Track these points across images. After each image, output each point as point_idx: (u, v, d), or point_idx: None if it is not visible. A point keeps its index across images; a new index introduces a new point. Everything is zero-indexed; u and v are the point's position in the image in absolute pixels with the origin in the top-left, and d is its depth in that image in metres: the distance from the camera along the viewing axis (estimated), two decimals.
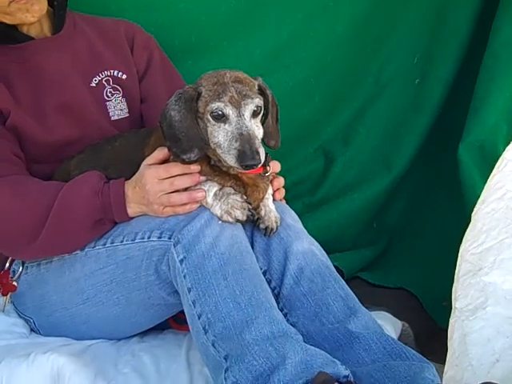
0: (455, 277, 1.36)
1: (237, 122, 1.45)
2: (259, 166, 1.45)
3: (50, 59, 1.81)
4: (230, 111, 1.45)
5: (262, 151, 1.44)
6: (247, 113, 1.46)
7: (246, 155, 1.41)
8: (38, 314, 1.79)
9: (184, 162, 1.50)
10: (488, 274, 1.33)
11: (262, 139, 1.54)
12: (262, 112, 1.52)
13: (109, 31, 1.96)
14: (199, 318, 1.42)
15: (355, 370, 1.40)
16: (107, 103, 1.89)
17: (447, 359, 1.32)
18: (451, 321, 1.34)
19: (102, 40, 1.93)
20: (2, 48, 1.77)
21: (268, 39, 2.29)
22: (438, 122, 2.37)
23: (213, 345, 1.39)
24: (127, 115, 1.92)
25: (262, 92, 1.53)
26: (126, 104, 1.92)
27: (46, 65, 1.80)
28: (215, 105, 1.45)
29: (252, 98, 1.47)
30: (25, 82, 1.77)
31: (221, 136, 1.46)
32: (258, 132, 1.50)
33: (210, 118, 1.47)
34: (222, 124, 1.46)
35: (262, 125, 1.54)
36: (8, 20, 1.71)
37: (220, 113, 1.46)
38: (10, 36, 1.76)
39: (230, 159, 1.44)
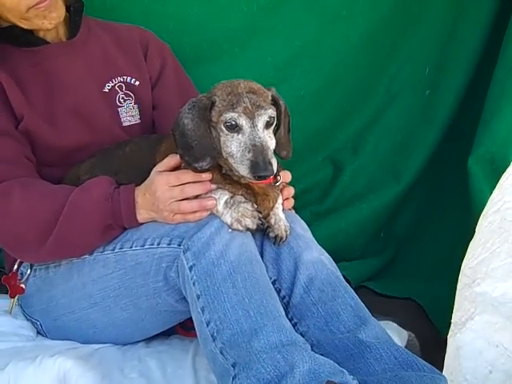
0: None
1: (250, 132, 1.45)
2: (271, 176, 1.45)
3: (63, 64, 1.82)
4: (243, 122, 1.45)
5: (274, 162, 1.45)
6: (260, 124, 1.47)
7: (258, 166, 1.41)
8: (45, 317, 1.79)
9: (196, 170, 1.51)
10: (480, 284, 1.34)
11: (274, 150, 1.54)
12: (275, 123, 1.53)
13: (123, 37, 1.97)
14: (208, 325, 1.42)
15: (366, 380, 1.40)
16: (119, 109, 1.89)
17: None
18: (448, 336, 1.35)
19: (116, 46, 1.94)
20: (17, 51, 1.78)
21: (280, 47, 2.29)
22: (447, 134, 2.37)
23: (221, 352, 1.39)
24: (139, 121, 1.93)
25: (275, 103, 1.53)
26: (137, 110, 1.93)
27: (60, 69, 1.81)
28: (229, 115, 1.46)
29: (265, 109, 1.47)
30: (38, 86, 1.78)
31: (234, 146, 1.46)
32: (271, 143, 1.50)
33: (224, 128, 1.47)
34: (236, 134, 1.47)
35: (275, 135, 1.54)
36: (25, 25, 1.72)
37: (234, 123, 1.46)
38: (26, 39, 1.77)
39: (243, 169, 1.44)
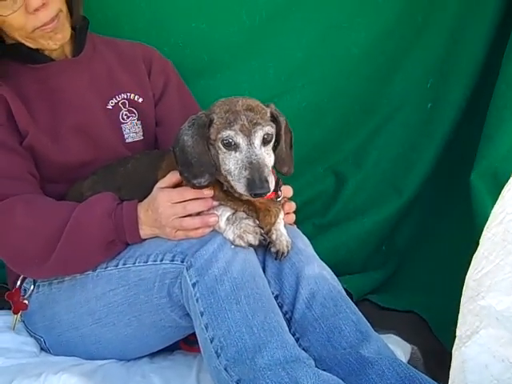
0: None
1: (247, 150, 1.46)
2: (268, 193, 1.45)
3: (68, 81, 1.83)
4: (240, 140, 1.46)
5: (271, 179, 1.45)
6: (257, 141, 1.47)
7: (255, 184, 1.42)
8: (48, 334, 1.79)
9: (195, 186, 1.52)
10: (484, 297, 1.33)
11: (274, 166, 1.55)
12: (274, 139, 1.53)
13: (127, 54, 1.98)
14: (211, 342, 1.43)
15: None
16: (122, 125, 1.90)
17: None
18: (453, 349, 1.35)
19: (120, 63, 1.95)
20: (22, 68, 1.79)
21: (282, 59, 2.28)
22: (449, 148, 2.36)
23: (225, 369, 1.40)
24: (142, 138, 1.94)
25: (274, 119, 1.54)
26: (141, 127, 1.94)
27: (64, 86, 1.82)
28: (226, 133, 1.47)
29: (262, 126, 1.47)
30: (43, 103, 1.79)
31: (231, 164, 1.47)
32: (269, 160, 1.50)
33: (221, 146, 1.48)
34: (233, 152, 1.47)
35: (274, 151, 1.55)
36: (30, 44, 1.73)
37: (231, 141, 1.47)
38: (31, 57, 1.78)
39: (240, 187, 1.45)
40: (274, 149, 1.55)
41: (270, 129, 1.49)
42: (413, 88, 2.40)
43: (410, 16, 2.30)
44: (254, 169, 1.44)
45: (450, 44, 2.31)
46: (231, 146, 1.47)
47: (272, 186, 1.45)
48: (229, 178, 1.49)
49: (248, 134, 1.46)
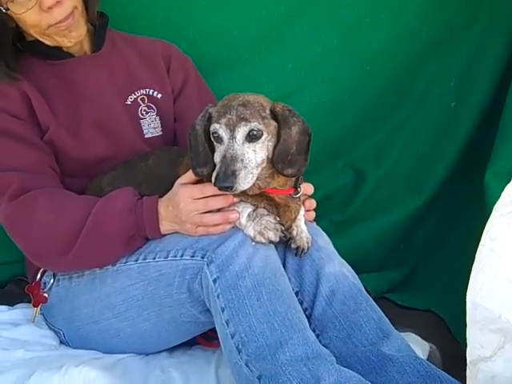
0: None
1: (227, 144, 1.47)
2: (236, 190, 1.44)
3: (87, 77, 1.84)
4: (223, 133, 1.48)
5: (243, 175, 1.44)
6: (239, 136, 1.46)
7: (218, 177, 1.43)
8: (68, 327, 1.81)
9: (197, 175, 1.54)
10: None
11: (275, 165, 1.52)
12: (268, 137, 1.50)
13: (147, 50, 1.99)
14: (232, 338, 1.43)
15: None
16: (141, 121, 1.91)
17: None
18: (472, 362, 1.35)
19: (140, 59, 1.96)
20: (43, 64, 1.80)
21: (301, 55, 2.27)
22: (471, 148, 2.34)
23: (246, 365, 1.40)
24: (160, 133, 1.95)
25: (275, 117, 1.52)
26: (159, 122, 1.94)
27: (84, 82, 1.83)
28: (213, 126, 1.49)
29: (248, 121, 1.46)
30: (63, 98, 1.80)
31: (217, 156, 1.50)
32: (254, 156, 1.47)
33: (213, 139, 1.51)
34: (219, 145, 1.50)
35: (274, 149, 1.51)
36: (46, 40, 1.75)
37: (217, 134, 1.49)
38: (51, 53, 1.79)
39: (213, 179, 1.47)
40: (275, 147, 1.52)
41: (256, 125, 1.47)
42: (436, 86, 2.38)
43: (436, 15, 2.28)
44: (224, 162, 1.45)
45: (476, 44, 2.29)
46: (218, 138, 1.49)
47: (245, 182, 1.44)
48: None
49: (232, 129, 1.47)
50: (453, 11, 2.28)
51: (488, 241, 1.39)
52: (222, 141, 1.48)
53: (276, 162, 1.51)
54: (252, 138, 1.48)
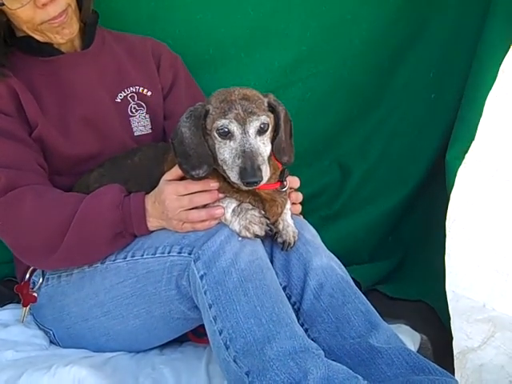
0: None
1: (241, 139, 1.47)
2: (261, 183, 1.45)
3: (77, 74, 1.84)
4: (234, 128, 1.47)
5: (264, 168, 1.46)
6: (252, 130, 1.48)
7: (246, 172, 1.43)
8: (57, 326, 1.80)
9: (193, 178, 1.52)
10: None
11: (275, 155, 1.55)
12: (271, 129, 1.53)
13: (136, 48, 2.00)
14: (220, 334, 1.43)
15: None
16: (131, 119, 1.91)
17: None
18: (459, 351, 1.35)
19: (129, 57, 1.97)
20: (32, 60, 1.80)
21: (286, 52, 2.29)
22: None
23: (234, 360, 1.40)
24: (150, 131, 1.95)
25: (272, 109, 1.54)
26: (149, 120, 1.95)
27: (73, 79, 1.83)
28: (221, 122, 1.48)
29: (258, 115, 1.48)
30: (52, 95, 1.80)
31: (226, 153, 1.48)
32: (265, 149, 1.50)
33: (217, 135, 1.49)
34: (228, 141, 1.48)
35: (273, 141, 1.54)
36: (38, 36, 1.75)
37: (226, 130, 1.48)
38: (41, 49, 1.79)
39: (233, 176, 1.46)
40: (273, 139, 1.55)
41: (265, 118, 1.49)
42: (416, 79, 2.40)
43: (413, 8, 2.31)
44: (246, 157, 1.44)
45: (452, 35, 2.31)
46: (226, 135, 1.48)
47: (266, 175, 1.46)
48: (224, 167, 1.50)
49: (243, 123, 1.47)
50: (428, 4, 2.31)
51: (450, 224, 1.39)
52: (233, 136, 1.47)
53: (276, 152, 1.54)
54: (261, 131, 1.49)
